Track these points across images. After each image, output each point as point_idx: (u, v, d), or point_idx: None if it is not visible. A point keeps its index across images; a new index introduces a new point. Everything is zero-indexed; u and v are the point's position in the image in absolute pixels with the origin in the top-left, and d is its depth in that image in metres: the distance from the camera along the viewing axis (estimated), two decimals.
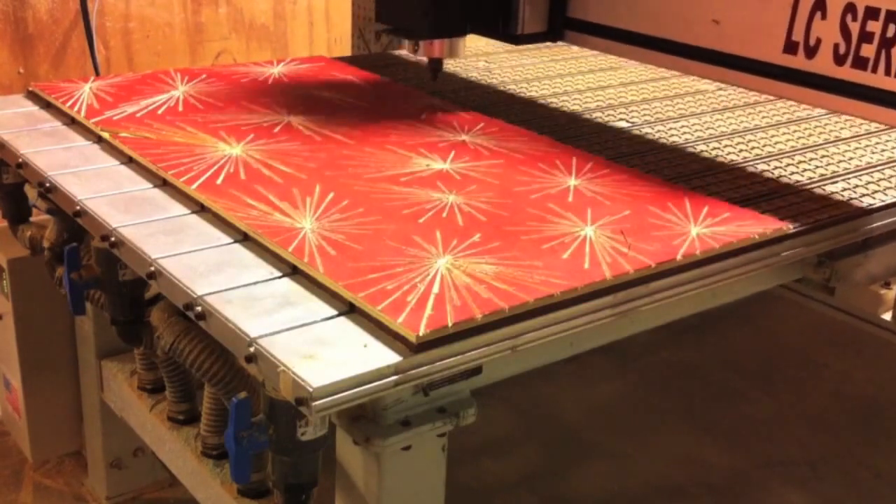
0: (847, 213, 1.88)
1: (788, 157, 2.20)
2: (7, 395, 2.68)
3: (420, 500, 1.54)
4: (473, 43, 3.11)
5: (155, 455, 2.22)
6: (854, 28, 1.73)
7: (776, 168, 2.11)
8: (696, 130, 2.36)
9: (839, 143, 2.31)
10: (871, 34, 1.71)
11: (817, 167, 2.13)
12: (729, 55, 1.94)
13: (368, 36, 3.05)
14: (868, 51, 1.72)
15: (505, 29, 2.19)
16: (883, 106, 1.73)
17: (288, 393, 1.28)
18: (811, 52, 1.79)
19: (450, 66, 2.86)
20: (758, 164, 2.13)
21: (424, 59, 2.28)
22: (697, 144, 2.25)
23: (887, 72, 1.70)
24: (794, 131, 2.39)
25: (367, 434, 1.42)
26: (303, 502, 1.49)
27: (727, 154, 2.19)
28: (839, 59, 1.76)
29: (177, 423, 2.06)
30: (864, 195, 1.98)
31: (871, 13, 1.71)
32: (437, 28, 2.17)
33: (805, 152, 2.23)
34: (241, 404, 1.42)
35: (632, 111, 2.50)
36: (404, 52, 3.02)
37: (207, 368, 1.69)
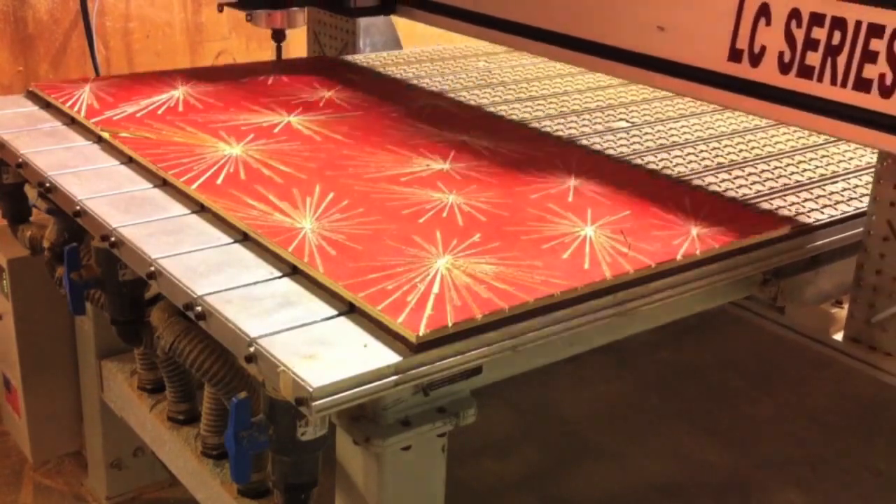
0: (847, 213, 1.88)
1: (788, 157, 2.20)
2: (7, 395, 2.68)
3: (420, 500, 1.54)
4: (474, 43, 3.11)
5: (155, 455, 2.22)
6: (799, 35, 1.69)
7: (776, 168, 2.11)
8: (696, 130, 2.36)
9: (839, 143, 2.31)
10: (817, 41, 1.67)
11: (817, 167, 2.13)
12: (671, 62, 1.90)
13: (324, 40, 3.08)
14: (813, 59, 1.68)
15: (342, 3, 2.57)
16: (827, 116, 1.68)
17: (288, 393, 1.28)
18: (756, 59, 1.76)
19: (450, 66, 2.86)
20: (758, 163, 2.13)
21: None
22: (697, 144, 2.25)
23: (833, 81, 1.65)
24: (795, 131, 2.39)
25: (367, 434, 1.42)
26: (303, 502, 1.49)
27: (727, 154, 2.19)
28: (784, 68, 1.72)
29: (177, 423, 2.06)
30: (864, 195, 1.98)
31: (817, 20, 1.66)
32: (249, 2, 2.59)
33: (805, 152, 2.23)
34: (241, 404, 1.42)
35: (632, 111, 2.50)
36: (408, 52, 3.02)
37: (207, 368, 1.69)
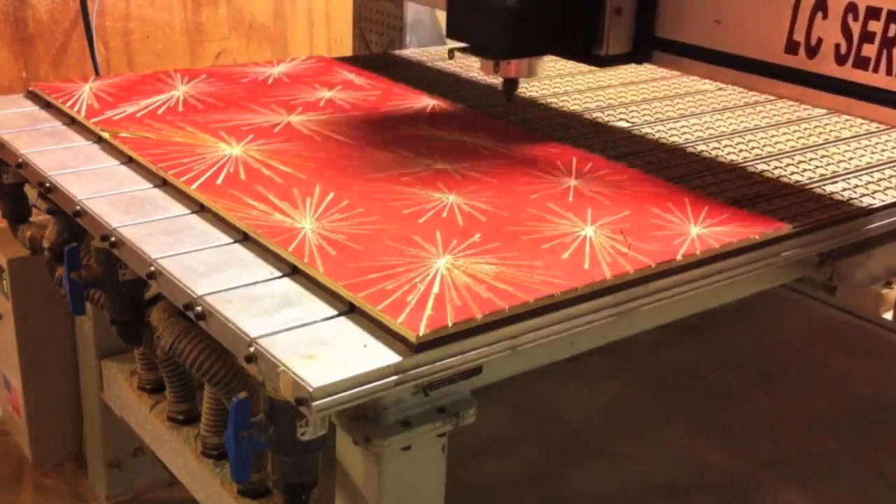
0: (848, 212, 1.88)
1: (788, 157, 2.20)
2: (7, 395, 2.68)
3: (420, 500, 1.54)
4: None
5: (155, 455, 2.22)
6: (855, 28, 1.72)
7: (776, 168, 2.11)
8: (696, 130, 2.36)
9: (839, 143, 2.31)
10: (873, 34, 1.71)
11: (817, 167, 2.13)
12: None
13: (370, 36, 3.05)
14: (869, 50, 1.71)
15: (588, 50, 1.99)
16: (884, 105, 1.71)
17: (288, 393, 1.28)
18: (812, 52, 1.79)
19: (450, 66, 2.86)
20: (758, 164, 2.13)
21: (498, 79, 2.12)
22: (697, 144, 2.25)
23: (888, 72, 1.69)
24: (794, 131, 2.39)
25: (367, 434, 1.42)
26: (303, 502, 1.49)
27: (727, 154, 2.19)
28: (840, 59, 1.75)
29: (177, 423, 2.06)
30: (864, 195, 1.98)
31: (873, 13, 1.70)
32: (518, 47, 1.96)
33: (805, 152, 2.23)
34: (241, 404, 1.42)
35: (632, 111, 2.50)
36: (406, 53, 3.02)
37: (207, 368, 1.69)
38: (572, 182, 1.93)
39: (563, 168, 2.00)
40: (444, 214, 1.74)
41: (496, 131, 2.22)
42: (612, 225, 1.72)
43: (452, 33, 2.02)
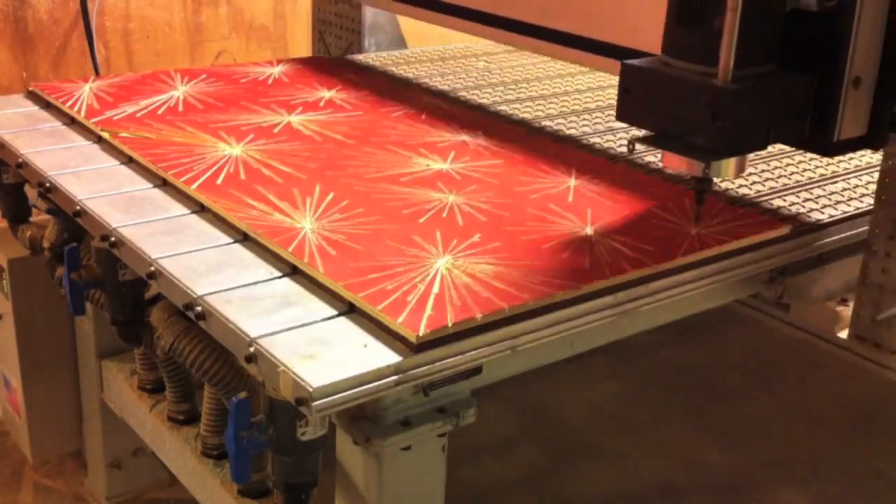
0: (846, 213, 1.88)
1: (789, 157, 2.20)
2: (7, 395, 2.68)
3: (420, 500, 1.54)
4: (474, 42, 3.11)
5: (155, 455, 2.22)
6: None
7: (776, 168, 2.11)
8: None
9: None
10: None
11: (817, 167, 2.13)
12: None
13: (329, 39, 3.05)
14: None
15: (815, 134, 1.53)
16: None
17: (288, 393, 1.28)
18: None
19: (450, 66, 2.87)
20: (758, 163, 2.13)
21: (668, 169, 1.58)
22: None
23: None
24: None
25: (367, 434, 1.42)
26: (303, 502, 1.49)
27: None
28: None
29: (177, 423, 2.06)
30: (864, 195, 1.98)
31: None
32: (735, 140, 1.42)
33: (805, 152, 2.23)
34: (241, 404, 1.42)
35: None
36: (409, 52, 3.02)
37: (207, 368, 1.69)
38: (572, 182, 1.93)
39: (563, 168, 2.00)
40: (444, 214, 1.74)
41: (496, 131, 2.22)
42: (612, 225, 1.72)
43: (628, 117, 1.53)
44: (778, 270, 1.80)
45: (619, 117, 1.54)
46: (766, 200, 1.90)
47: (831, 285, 1.89)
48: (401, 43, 3.15)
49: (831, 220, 1.85)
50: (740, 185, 1.98)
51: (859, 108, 1.53)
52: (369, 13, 2.98)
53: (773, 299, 1.83)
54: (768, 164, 2.12)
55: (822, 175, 2.08)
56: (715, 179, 1.77)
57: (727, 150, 1.43)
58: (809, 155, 2.21)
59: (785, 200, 1.91)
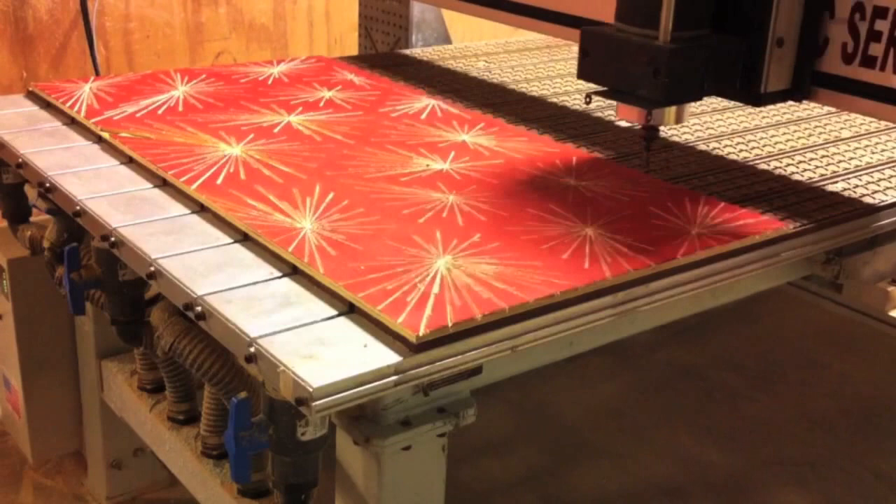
0: (854, 210, 1.88)
1: (788, 157, 2.20)
2: (7, 395, 2.68)
3: (420, 500, 1.54)
4: (473, 42, 3.11)
5: (155, 455, 2.22)
6: (862, 27, 1.69)
7: (776, 168, 2.11)
8: (696, 130, 2.36)
9: (839, 142, 2.31)
10: (880, 33, 1.67)
11: (817, 167, 2.13)
12: None
13: (376, 35, 3.05)
14: (877, 50, 1.68)
15: (745, 88, 1.77)
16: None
17: (288, 393, 1.28)
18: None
19: (450, 65, 2.87)
20: (758, 164, 2.13)
21: (633, 124, 1.87)
22: (698, 144, 2.25)
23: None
24: (794, 131, 2.39)
25: (367, 434, 1.42)
26: (303, 502, 1.49)
27: (727, 154, 2.19)
28: (847, 58, 1.73)
29: (177, 423, 2.06)
30: (864, 195, 1.98)
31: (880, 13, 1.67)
32: (673, 92, 1.67)
33: (805, 152, 2.23)
34: (241, 404, 1.42)
35: None
36: (409, 52, 3.03)
37: (207, 368, 1.69)
38: (572, 182, 1.93)
39: (563, 168, 2.00)
40: (444, 214, 1.74)
41: (496, 131, 2.22)
42: (612, 225, 1.72)
43: (586, 75, 1.76)
44: (834, 252, 1.85)
45: (580, 76, 1.77)
46: (765, 200, 1.90)
47: (882, 267, 1.95)
48: (446, 38, 3.17)
49: (882, 204, 1.91)
50: (741, 185, 1.98)
51: (783, 65, 1.77)
52: (417, 9, 2.99)
53: (830, 279, 1.89)
54: (768, 164, 2.12)
55: (822, 175, 2.08)
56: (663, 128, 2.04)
57: (666, 100, 1.68)
58: (809, 155, 2.21)
59: (785, 200, 1.92)
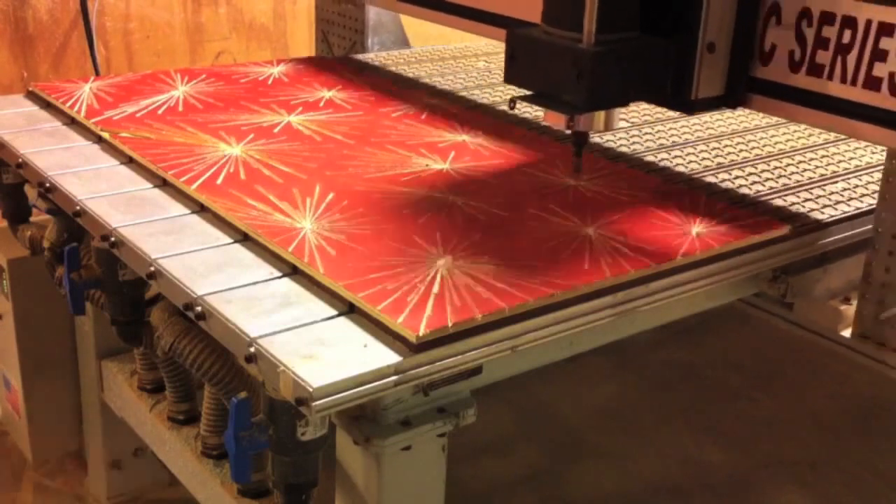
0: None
1: (788, 157, 2.20)
2: (7, 395, 2.68)
3: (420, 500, 1.54)
4: (474, 43, 3.11)
5: (155, 455, 2.22)
6: (809, 34, 1.65)
7: (776, 168, 2.11)
8: (696, 131, 2.36)
9: (839, 143, 2.31)
10: (827, 40, 1.63)
11: (817, 167, 2.13)
12: None
13: (332, 39, 3.04)
14: (824, 57, 1.64)
15: (675, 94, 1.70)
16: (838, 115, 1.64)
17: (288, 393, 1.28)
18: (766, 58, 1.72)
19: (450, 65, 2.86)
20: (758, 163, 2.13)
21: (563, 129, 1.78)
22: (698, 144, 2.25)
23: (843, 80, 1.61)
24: (794, 131, 2.39)
25: (367, 434, 1.42)
26: (303, 502, 1.49)
27: (727, 154, 2.19)
28: (794, 66, 1.67)
29: (177, 423, 2.06)
30: (864, 195, 1.98)
31: (826, 18, 1.63)
32: (596, 97, 1.59)
33: (805, 152, 2.23)
34: (241, 404, 1.42)
35: (631, 111, 2.49)
36: (409, 52, 3.02)
37: (207, 368, 1.69)
38: (572, 182, 1.93)
39: (563, 168, 2.00)
40: (444, 214, 1.74)
41: (496, 131, 2.22)
42: (612, 225, 1.72)
43: (512, 79, 1.69)
44: (781, 269, 1.80)
45: (507, 80, 1.70)
46: (767, 200, 1.90)
47: (834, 284, 1.90)
48: (404, 42, 3.15)
49: (832, 219, 1.85)
50: (741, 186, 1.98)
51: (715, 71, 1.71)
52: (373, 13, 2.98)
53: (777, 298, 1.83)
54: (768, 164, 2.12)
55: (822, 175, 2.08)
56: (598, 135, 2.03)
57: (590, 105, 1.61)
58: (809, 155, 2.21)
59: (785, 200, 1.91)
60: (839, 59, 1.64)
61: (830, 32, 1.64)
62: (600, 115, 1.67)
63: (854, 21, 1.61)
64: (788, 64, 1.70)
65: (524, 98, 1.69)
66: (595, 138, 2.24)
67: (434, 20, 2.43)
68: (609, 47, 1.57)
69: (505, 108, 2.45)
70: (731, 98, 1.75)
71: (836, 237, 1.85)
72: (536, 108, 2.48)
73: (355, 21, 2.97)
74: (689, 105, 1.72)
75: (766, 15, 1.71)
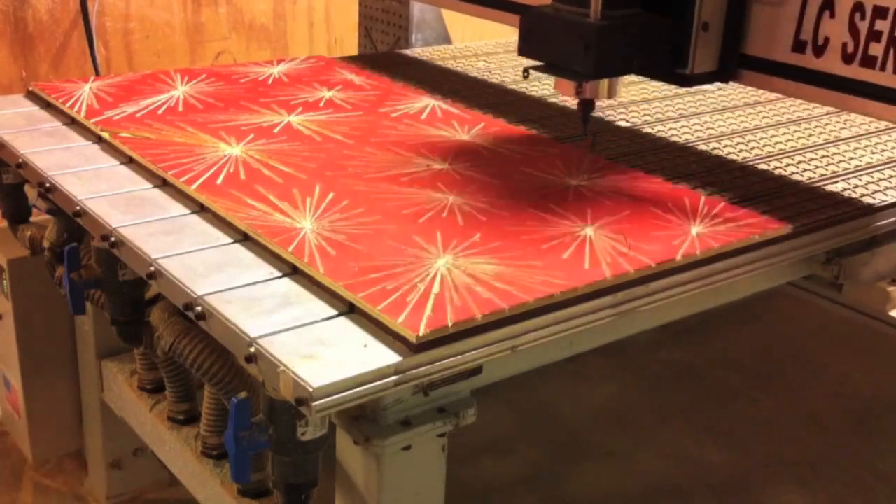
0: (854, 210, 1.88)
1: (788, 157, 2.20)
2: (7, 395, 2.68)
3: (420, 500, 1.54)
4: (473, 42, 3.11)
5: (155, 455, 2.22)
6: (863, 27, 1.71)
7: (776, 168, 2.11)
8: (696, 130, 2.36)
9: (839, 143, 2.31)
10: (880, 33, 1.69)
11: (817, 167, 2.13)
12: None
13: (376, 35, 3.04)
14: (876, 49, 1.70)
15: (673, 68, 1.86)
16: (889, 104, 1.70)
17: (288, 393, 1.28)
18: (819, 50, 1.78)
19: (450, 66, 2.86)
20: (758, 163, 2.13)
21: (569, 99, 1.99)
22: (698, 144, 2.25)
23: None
24: (794, 131, 2.39)
25: (367, 434, 1.42)
26: (303, 502, 1.49)
27: (727, 154, 2.19)
28: (847, 58, 1.74)
29: (177, 423, 2.06)
30: (864, 195, 1.98)
31: (880, 12, 1.69)
32: (602, 67, 1.78)
33: (805, 152, 2.23)
34: (241, 404, 1.42)
35: (632, 111, 2.50)
36: (409, 52, 3.03)
37: (207, 368, 1.69)
38: (572, 182, 1.93)
39: (564, 168, 2.00)
40: (444, 214, 1.74)
41: (496, 131, 2.22)
42: (612, 225, 1.72)
43: (527, 52, 1.86)
44: (834, 252, 1.86)
45: (521, 53, 1.86)
46: (767, 200, 1.90)
47: (882, 267, 1.95)
48: (446, 38, 3.16)
49: (882, 204, 1.91)
50: (740, 185, 1.98)
51: (709, 48, 1.86)
52: (417, 9, 2.98)
53: (830, 279, 1.91)
54: (768, 164, 2.12)
55: (822, 175, 2.08)
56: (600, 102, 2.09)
57: (595, 73, 1.78)
58: (809, 155, 2.21)
59: (786, 200, 1.92)
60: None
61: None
62: (604, 84, 1.85)
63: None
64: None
65: (536, 68, 1.85)
66: (596, 138, 2.24)
67: (474, 14, 2.48)
68: (614, 22, 1.74)
69: (505, 107, 2.45)
70: (723, 73, 1.90)
71: (885, 221, 1.92)
72: (537, 108, 2.49)
73: (399, 17, 2.98)
74: (686, 79, 1.88)
75: None
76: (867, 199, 1.95)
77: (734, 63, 1.88)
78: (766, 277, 1.84)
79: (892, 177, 2.09)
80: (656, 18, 1.81)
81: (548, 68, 1.84)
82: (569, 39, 1.76)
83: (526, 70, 1.86)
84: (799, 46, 1.79)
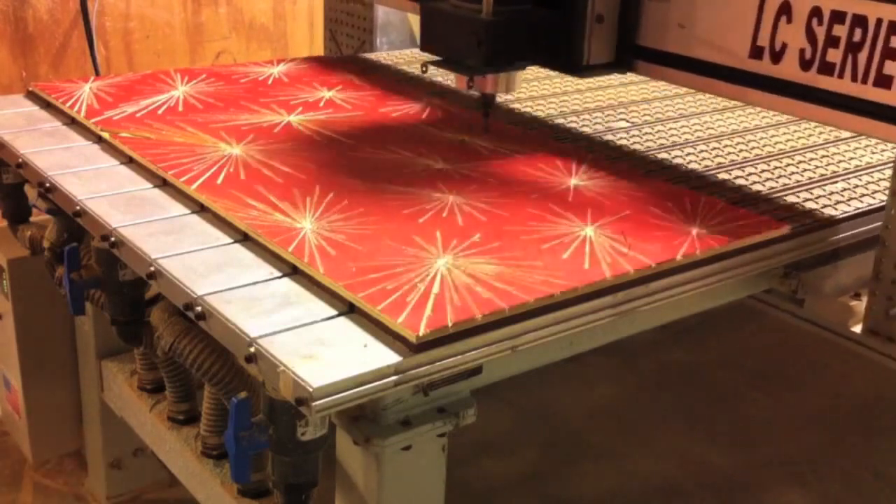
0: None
1: (788, 157, 2.20)
2: (7, 395, 2.68)
3: (420, 500, 1.54)
4: None
5: (155, 455, 2.22)
6: (820, 32, 1.70)
7: (776, 168, 2.11)
8: (696, 130, 2.36)
9: (839, 143, 2.31)
10: (837, 38, 1.68)
11: (817, 167, 2.13)
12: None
13: (340, 38, 3.04)
14: (834, 56, 1.69)
15: (568, 60, 1.92)
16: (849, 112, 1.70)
17: (288, 393, 1.28)
18: (777, 57, 1.76)
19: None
20: (758, 163, 2.13)
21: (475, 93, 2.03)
22: (697, 144, 2.25)
23: (853, 78, 1.67)
24: (794, 131, 2.39)
25: (367, 434, 1.42)
26: (303, 502, 1.49)
27: (727, 154, 2.19)
28: (805, 65, 1.73)
29: (177, 423, 2.06)
30: (864, 195, 1.98)
31: (837, 17, 1.68)
32: (493, 61, 1.85)
33: (805, 152, 2.23)
34: (241, 404, 1.42)
35: (632, 111, 2.50)
36: (410, 52, 3.02)
37: (207, 368, 1.69)
38: (572, 182, 1.93)
39: (563, 168, 2.00)
40: (444, 214, 1.74)
41: (496, 131, 2.22)
42: (612, 225, 1.72)
43: (426, 46, 1.95)
44: (793, 266, 1.81)
45: (422, 48, 1.96)
46: (767, 200, 1.90)
47: (844, 281, 1.92)
48: (411, 41, 3.15)
49: (845, 215, 1.87)
50: (741, 185, 1.98)
51: (604, 40, 1.93)
52: (381, 12, 2.98)
53: (788, 294, 1.87)
54: (768, 164, 2.12)
55: (822, 175, 2.08)
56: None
57: (486, 67, 1.86)
58: (809, 155, 2.21)
59: (786, 200, 1.91)
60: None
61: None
62: (502, 79, 1.93)
63: None
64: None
65: (434, 63, 1.94)
66: (595, 138, 2.24)
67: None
68: (504, 17, 1.81)
69: (504, 107, 2.45)
70: (620, 65, 1.97)
71: (845, 234, 1.87)
72: (536, 108, 2.49)
73: (364, 20, 2.98)
74: (581, 70, 1.94)
75: None
76: (867, 200, 1.95)
77: (631, 54, 1.95)
78: (766, 277, 1.84)
79: (869, 183, 2.09)
80: (547, 12, 1.88)
81: (444, 63, 1.92)
82: (463, 35, 1.83)
83: (424, 65, 1.94)
84: (756, 53, 1.80)
